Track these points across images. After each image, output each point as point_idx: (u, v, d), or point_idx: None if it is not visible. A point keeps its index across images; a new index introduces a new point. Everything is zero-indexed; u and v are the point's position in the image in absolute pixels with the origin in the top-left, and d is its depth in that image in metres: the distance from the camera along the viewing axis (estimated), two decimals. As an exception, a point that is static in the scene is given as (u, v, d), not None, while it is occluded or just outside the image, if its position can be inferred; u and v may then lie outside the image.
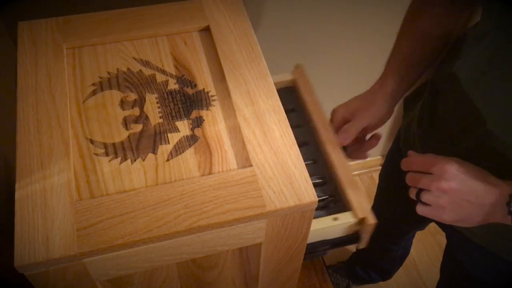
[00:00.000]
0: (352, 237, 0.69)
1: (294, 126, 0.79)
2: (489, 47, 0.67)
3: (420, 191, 0.65)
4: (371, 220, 0.65)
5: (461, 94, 0.71)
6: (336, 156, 0.73)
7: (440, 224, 0.91)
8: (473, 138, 0.71)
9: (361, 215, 0.66)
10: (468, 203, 0.62)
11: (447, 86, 0.76)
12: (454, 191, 0.61)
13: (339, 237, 0.69)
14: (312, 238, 0.67)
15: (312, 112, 0.79)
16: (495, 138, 0.67)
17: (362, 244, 0.70)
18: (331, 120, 0.80)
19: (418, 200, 0.65)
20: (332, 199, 0.70)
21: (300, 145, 0.76)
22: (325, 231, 0.67)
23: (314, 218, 0.64)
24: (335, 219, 0.66)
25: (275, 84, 0.82)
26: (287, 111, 0.80)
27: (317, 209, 0.67)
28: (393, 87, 0.80)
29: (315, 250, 0.69)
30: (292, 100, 0.83)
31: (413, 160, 0.66)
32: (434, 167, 0.63)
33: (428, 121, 0.83)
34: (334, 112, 0.80)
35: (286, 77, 0.84)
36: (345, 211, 0.67)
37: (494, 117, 0.67)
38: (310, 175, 0.72)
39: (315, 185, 0.70)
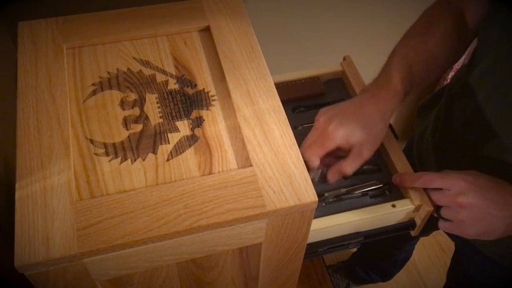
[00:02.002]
0: (408, 223, 0.71)
1: None
2: (502, 58, 0.66)
3: (439, 207, 0.65)
4: (428, 206, 0.67)
5: (476, 106, 0.71)
6: (389, 145, 0.74)
7: (449, 234, 0.91)
8: (487, 150, 0.70)
9: (418, 202, 0.68)
10: (489, 215, 0.61)
11: (463, 96, 0.75)
12: (473, 205, 0.61)
13: (396, 224, 0.71)
14: (372, 224, 0.69)
15: None
16: (509, 151, 0.66)
17: (416, 231, 0.72)
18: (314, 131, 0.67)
19: (439, 216, 0.66)
20: (387, 187, 0.72)
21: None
22: (384, 217, 0.69)
23: (372, 205, 0.68)
24: (394, 206, 0.68)
25: (324, 75, 0.85)
26: (336, 102, 0.82)
27: (373, 196, 0.70)
28: (400, 95, 0.69)
29: (375, 235, 0.71)
30: (341, 91, 0.85)
31: (428, 178, 0.65)
32: (451, 183, 0.63)
33: (442, 130, 0.83)
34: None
35: (335, 68, 0.86)
36: (400, 199, 0.69)
37: (509, 130, 0.66)
38: (364, 164, 0.73)
39: (370, 172, 0.74)
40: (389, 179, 0.73)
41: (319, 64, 0.85)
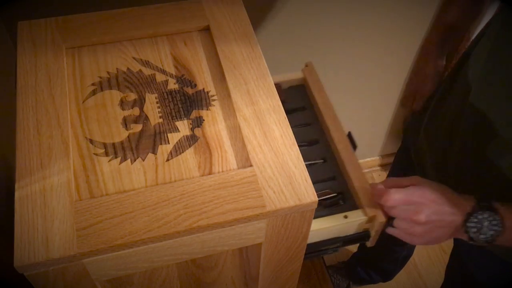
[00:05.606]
0: (362, 235, 0.70)
1: (304, 124, 0.80)
2: (494, 53, 0.67)
3: (390, 219, 0.67)
4: (381, 218, 0.66)
5: (466, 100, 0.72)
6: (346, 154, 0.73)
7: None
8: (478, 145, 0.71)
9: (371, 213, 0.67)
10: (438, 228, 0.65)
11: (455, 90, 0.76)
12: (428, 222, 0.64)
13: (349, 235, 0.70)
14: (322, 235, 0.68)
15: (322, 110, 0.79)
16: (500, 141, 0.67)
17: (371, 242, 0.71)
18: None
19: (390, 225, 0.67)
20: (341, 196, 0.71)
21: (311, 143, 0.78)
22: (335, 229, 0.67)
23: (324, 216, 0.67)
24: (345, 217, 0.67)
25: (286, 82, 0.84)
26: (297, 109, 0.82)
27: (327, 206, 0.69)
28: None
29: (325, 248, 0.70)
30: (302, 98, 0.83)
31: (393, 197, 0.66)
32: (409, 200, 0.65)
33: (434, 126, 0.84)
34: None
35: (296, 75, 0.85)
36: (355, 209, 0.68)
37: (500, 121, 0.67)
38: (320, 174, 0.73)
39: (325, 181, 0.72)
40: (344, 188, 0.71)
41: (281, 70, 0.84)
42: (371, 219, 0.67)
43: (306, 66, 0.85)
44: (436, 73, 0.91)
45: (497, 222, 0.63)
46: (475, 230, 0.64)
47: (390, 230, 0.68)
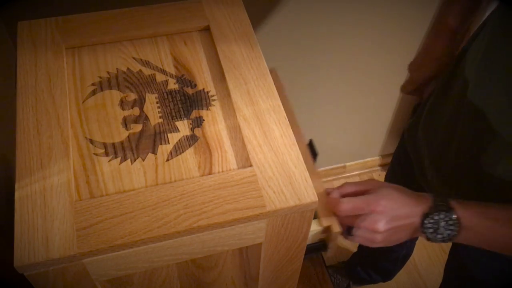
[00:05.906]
0: (318, 245, 0.69)
1: None
2: (490, 50, 0.67)
3: (349, 227, 0.67)
4: (336, 228, 0.65)
5: (463, 97, 0.72)
6: (305, 162, 0.72)
7: None
8: (477, 143, 0.71)
9: (326, 223, 0.65)
10: (398, 232, 0.65)
11: (453, 87, 0.77)
12: (389, 229, 0.64)
13: (306, 245, 0.68)
14: None
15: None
16: (499, 139, 0.67)
17: (330, 252, 0.70)
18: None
19: (349, 234, 0.67)
20: None
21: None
22: None
23: None
24: None
25: None
26: None
27: None
28: None
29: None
30: None
31: (345, 207, 0.66)
32: (366, 210, 0.65)
33: (432, 123, 0.84)
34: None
35: None
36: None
37: (497, 116, 0.67)
38: None
39: None
40: None
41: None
42: (326, 230, 0.66)
43: (270, 72, 0.84)
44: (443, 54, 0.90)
45: (454, 222, 0.63)
46: (431, 230, 0.64)
47: (349, 238, 0.67)
